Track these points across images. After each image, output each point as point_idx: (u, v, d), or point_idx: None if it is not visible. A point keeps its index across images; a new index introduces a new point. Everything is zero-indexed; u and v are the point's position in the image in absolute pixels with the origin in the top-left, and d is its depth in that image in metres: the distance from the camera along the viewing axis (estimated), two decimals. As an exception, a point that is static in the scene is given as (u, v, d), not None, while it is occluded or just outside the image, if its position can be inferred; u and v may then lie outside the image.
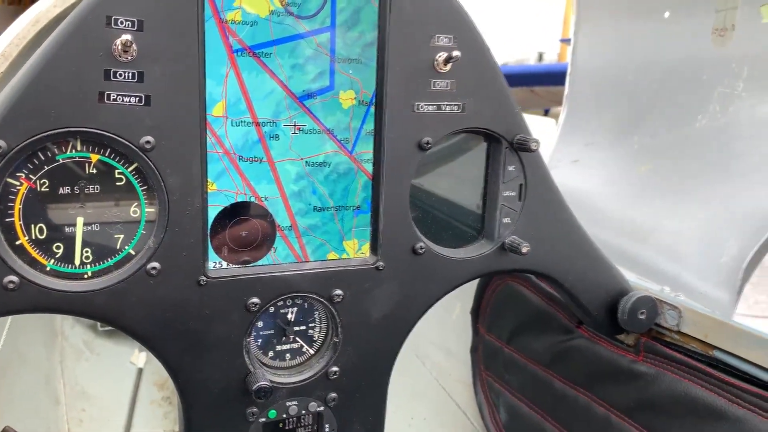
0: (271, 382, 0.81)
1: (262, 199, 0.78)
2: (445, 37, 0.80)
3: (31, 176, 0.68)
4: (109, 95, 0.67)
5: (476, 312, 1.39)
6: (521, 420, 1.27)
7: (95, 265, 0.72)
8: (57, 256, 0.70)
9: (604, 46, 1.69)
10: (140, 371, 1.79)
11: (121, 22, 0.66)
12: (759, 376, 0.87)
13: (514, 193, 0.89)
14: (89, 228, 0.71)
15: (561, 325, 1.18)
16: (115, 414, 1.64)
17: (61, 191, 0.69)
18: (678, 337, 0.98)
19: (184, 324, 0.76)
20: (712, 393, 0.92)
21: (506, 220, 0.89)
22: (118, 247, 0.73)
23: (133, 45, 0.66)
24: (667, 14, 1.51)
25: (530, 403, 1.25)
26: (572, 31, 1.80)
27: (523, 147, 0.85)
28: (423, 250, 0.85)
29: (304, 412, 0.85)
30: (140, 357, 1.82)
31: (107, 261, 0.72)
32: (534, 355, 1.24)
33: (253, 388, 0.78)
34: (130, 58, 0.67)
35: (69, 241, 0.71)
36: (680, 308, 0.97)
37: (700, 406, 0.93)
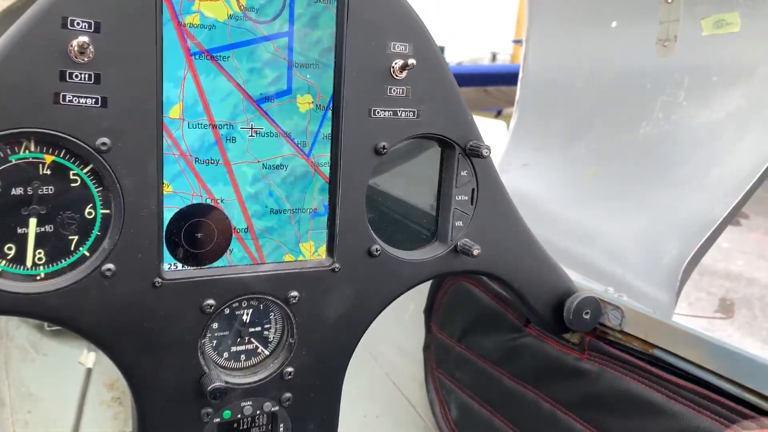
0: (226, 383, 0.81)
1: (218, 201, 0.79)
2: (401, 45, 0.82)
3: None
4: (64, 96, 0.67)
5: (429, 311, 1.42)
6: (472, 417, 1.30)
7: (48, 267, 0.72)
8: (8, 257, 0.70)
9: (554, 52, 1.74)
10: (89, 371, 1.76)
11: (78, 23, 0.66)
12: (695, 374, 0.92)
13: (466, 197, 0.91)
14: (42, 229, 0.70)
15: (510, 323, 1.22)
16: (62, 416, 1.61)
17: (13, 192, 0.68)
18: (620, 336, 1.03)
19: (139, 325, 0.76)
20: (652, 389, 0.96)
21: (459, 223, 0.92)
22: (72, 249, 0.72)
23: (90, 47, 0.66)
24: (614, 24, 1.57)
25: (480, 401, 1.28)
26: (524, 36, 1.85)
27: (475, 153, 0.88)
28: (378, 252, 0.87)
29: (258, 412, 0.86)
30: (89, 357, 1.79)
31: (61, 262, 0.72)
32: (484, 352, 1.27)
33: (208, 389, 0.78)
34: (86, 59, 0.66)
35: (21, 243, 0.70)
36: (623, 308, 1.02)
37: (641, 402, 0.98)
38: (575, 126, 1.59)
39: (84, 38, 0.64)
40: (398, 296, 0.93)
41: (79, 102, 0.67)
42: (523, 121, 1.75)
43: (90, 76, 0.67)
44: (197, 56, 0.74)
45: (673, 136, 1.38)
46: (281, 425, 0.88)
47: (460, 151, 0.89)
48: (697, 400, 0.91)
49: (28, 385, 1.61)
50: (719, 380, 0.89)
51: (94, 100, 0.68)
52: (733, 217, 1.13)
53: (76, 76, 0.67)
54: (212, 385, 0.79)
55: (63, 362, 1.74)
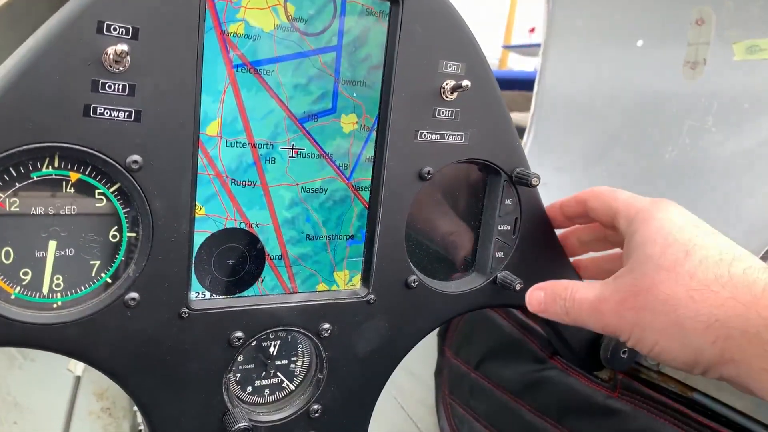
0: (250, 420, 0.75)
1: (253, 225, 0.73)
2: (454, 64, 0.76)
3: (0, 194, 0.60)
4: (95, 108, 0.60)
5: (443, 334, 1.37)
6: (486, 448, 1.25)
7: (67, 294, 0.65)
8: (24, 283, 0.63)
9: (574, 68, 1.69)
10: (78, 380, 1.68)
11: (115, 29, 0.59)
12: (737, 421, 0.88)
13: (509, 227, 0.86)
14: (62, 253, 0.64)
15: (533, 354, 1.17)
16: (50, 427, 1.53)
17: (33, 212, 0.62)
18: (656, 376, 0.98)
19: (161, 359, 0.70)
20: (690, 435, 0.92)
21: (499, 254, 0.86)
22: (93, 275, 0.66)
23: (128, 56, 0.59)
24: (640, 43, 1.53)
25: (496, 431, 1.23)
26: (540, 51, 1.80)
27: (522, 182, 0.83)
28: (416, 283, 0.81)
29: None
30: (78, 364, 1.71)
31: (81, 290, 0.65)
32: (503, 382, 1.22)
33: (233, 429, 0.72)
34: (121, 68, 0.60)
35: (39, 267, 0.63)
36: (661, 348, 0.97)
37: (676, 447, 0.93)
38: (596, 146, 1.55)
39: (123, 46, 0.58)
40: (432, 330, 0.87)
41: (110, 115, 0.61)
42: (539, 137, 1.70)
43: (124, 87, 0.61)
44: (239, 69, 0.67)
45: (702, 164, 1.34)
46: (304, 465, 0.82)
47: (506, 179, 0.84)
48: (739, 449, 0.87)
49: (15, 394, 1.53)
50: (764, 430, 0.85)
51: (127, 113, 0.61)
52: (771, 254, 1.09)
53: (110, 87, 0.60)
54: (237, 426, 0.72)
55: (51, 369, 1.65)
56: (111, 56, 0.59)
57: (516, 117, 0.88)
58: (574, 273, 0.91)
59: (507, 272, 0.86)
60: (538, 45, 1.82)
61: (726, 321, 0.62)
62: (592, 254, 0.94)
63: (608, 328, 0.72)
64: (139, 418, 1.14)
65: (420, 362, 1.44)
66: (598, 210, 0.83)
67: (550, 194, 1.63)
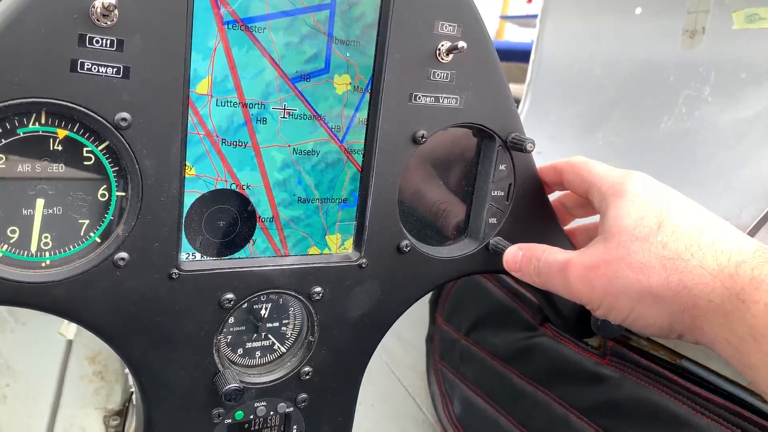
0: (241, 382, 0.75)
1: (244, 187, 0.72)
2: (450, 25, 0.75)
3: None
4: (82, 64, 0.59)
5: (435, 301, 1.37)
6: (476, 413, 1.26)
7: (55, 253, 0.64)
8: (11, 241, 0.62)
9: (571, 36, 1.67)
10: (70, 343, 1.68)
11: None
12: (725, 388, 0.89)
13: (502, 193, 0.86)
14: (50, 211, 0.63)
15: (524, 321, 1.18)
16: (42, 390, 1.54)
17: (20, 169, 0.61)
18: (646, 344, 0.99)
19: (151, 320, 0.69)
20: (677, 401, 0.93)
21: (492, 220, 0.86)
22: (82, 234, 0.65)
23: (115, 9, 0.57)
24: (638, 11, 1.51)
25: (486, 397, 1.24)
26: (538, 19, 1.78)
27: (517, 147, 0.82)
28: (408, 248, 0.81)
29: (272, 413, 0.80)
30: (70, 328, 1.71)
31: (69, 249, 0.65)
32: (493, 349, 1.23)
33: (224, 390, 0.72)
34: (109, 23, 0.58)
35: (26, 225, 0.62)
36: (652, 316, 0.97)
37: (664, 413, 0.94)
38: (592, 116, 1.54)
39: None
40: (423, 295, 0.87)
41: (98, 71, 0.59)
42: (535, 106, 1.69)
43: (112, 42, 0.59)
44: (230, 26, 0.66)
45: (697, 134, 1.34)
46: (294, 427, 0.83)
47: (501, 144, 0.83)
48: (726, 415, 0.88)
49: (6, 356, 1.53)
50: (751, 396, 0.86)
51: (115, 69, 0.60)
52: (762, 225, 1.09)
53: (97, 42, 0.59)
54: (228, 386, 0.73)
55: (42, 333, 1.65)
56: (98, 9, 0.57)
57: (513, 88, 0.87)
58: (566, 241, 0.91)
59: (499, 238, 0.86)
60: (536, 16, 1.79)
61: (693, 289, 0.63)
62: (579, 221, 0.94)
63: (574, 294, 0.73)
64: (131, 380, 1.15)
65: (411, 329, 1.45)
66: (573, 182, 0.84)
67: (546, 164, 1.63)
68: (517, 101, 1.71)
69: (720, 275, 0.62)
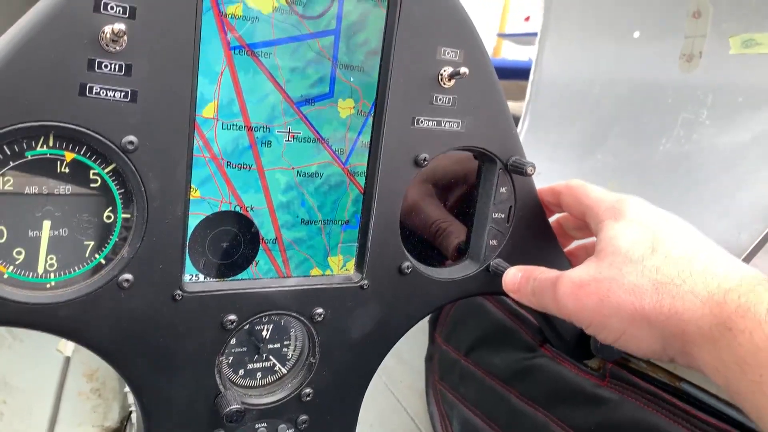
0: (242, 403, 0.75)
1: (248, 209, 0.73)
2: (452, 51, 0.76)
3: None
4: (91, 88, 0.59)
5: (435, 321, 1.37)
6: (475, 433, 1.26)
7: (60, 275, 0.64)
8: (17, 262, 0.62)
9: (570, 60, 1.69)
10: (68, 360, 1.68)
11: (112, 8, 0.58)
12: (724, 411, 0.89)
13: (503, 216, 0.86)
14: (56, 233, 0.63)
15: (523, 342, 1.18)
16: (39, 406, 1.53)
17: (27, 191, 0.61)
18: (645, 366, 0.99)
19: (154, 341, 0.70)
20: (677, 423, 0.93)
21: (493, 242, 0.87)
22: (87, 256, 0.65)
23: (125, 35, 0.58)
24: (637, 34, 1.52)
25: (485, 418, 1.24)
26: (537, 40, 1.79)
27: (517, 170, 0.83)
28: (409, 269, 0.81)
29: None
30: (68, 345, 1.71)
31: (74, 270, 0.65)
32: (493, 369, 1.23)
33: (225, 411, 0.72)
34: (118, 48, 0.59)
35: (33, 247, 0.63)
36: (651, 338, 0.98)
37: (663, 435, 0.94)
38: (591, 137, 1.55)
39: (120, 25, 0.57)
40: (424, 316, 0.87)
41: (106, 95, 0.60)
42: (534, 126, 1.70)
43: (121, 66, 0.60)
44: (237, 51, 0.67)
45: (695, 156, 1.35)
46: (295, 448, 0.83)
47: (501, 167, 0.84)
48: (725, 438, 0.88)
49: (4, 373, 1.53)
50: (751, 421, 0.86)
51: (123, 93, 0.61)
52: (762, 246, 1.10)
53: (106, 66, 0.60)
54: (229, 408, 0.73)
55: (40, 349, 1.65)
56: (108, 35, 0.58)
57: (510, 106, 0.88)
58: (567, 262, 0.91)
59: (500, 260, 0.87)
60: (534, 34, 1.81)
61: (683, 314, 0.64)
62: (576, 242, 0.95)
63: (562, 310, 0.73)
64: (130, 399, 1.15)
65: (410, 348, 1.45)
66: (570, 205, 0.85)
67: (544, 184, 1.64)
68: (516, 119, 1.72)
69: (709, 302, 0.62)
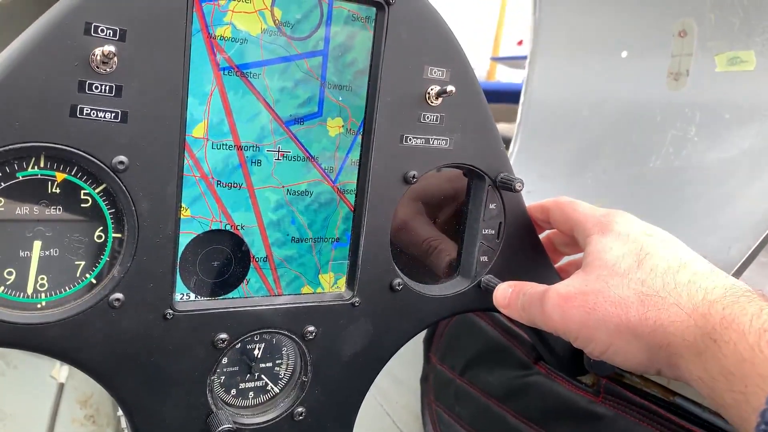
0: (234, 423, 0.75)
1: (238, 227, 0.73)
2: (438, 70, 0.77)
3: None
4: (82, 109, 0.60)
5: (429, 341, 1.37)
6: (471, 454, 1.25)
7: (51, 295, 0.65)
8: (8, 283, 0.63)
9: (560, 80, 1.71)
10: (61, 387, 1.67)
11: (102, 30, 0.60)
12: (720, 425, 0.89)
13: (493, 232, 0.87)
14: (47, 253, 0.64)
15: (518, 359, 1.18)
16: (32, 434, 1.52)
17: (18, 212, 0.62)
18: (639, 381, 0.99)
19: (145, 360, 0.70)
20: (672, 439, 0.93)
21: (483, 258, 0.87)
22: (77, 275, 0.66)
23: (115, 57, 0.60)
24: (624, 54, 1.55)
25: (481, 438, 1.23)
26: (527, 63, 1.82)
27: (506, 186, 0.84)
28: (400, 286, 0.82)
29: None
30: (62, 371, 1.70)
31: (65, 290, 0.65)
32: (488, 388, 1.23)
33: (217, 431, 0.72)
34: (109, 70, 0.60)
35: (23, 267, 0.63)
36: (644, 353, 0.98)
37: (659, 451, 0.94)
38: (581, 155, 1.56)
39: (110, 47, 0.58)
40: (417, 333, 0.88)
41: (97, 116, 0.61)
42: (525, 145, 1.72)
43: (111, 88, 0.61)
44: (226, 72, 0.68)
45: (685, 173, 1.36)
46: (288, 468, 0.82)
47: (490, 183, 0.85)
48: (720, 453, 0.88)
49: (-3, 400, 1.52)
50: (742, 433, 0.86)
51: (113, 114, 0.62)
52: (751, 261, 1.11)
53: (96, 88, 0.61)
54: (221, 428, 0.72)
55: (34, 376, 1.64)
56: (98, 57, 0.59)
57: (503, 128, 0.90)
58: (557, 277, 0.92)
59: (491, 276, 0.87)
60: (526, 57, 1.84)
61: (668, 327, 0.64)
62: (567, 258, 0.96)
63: (549, 324, 0.74)
64: (123, 423, 1.14)
65: (405, 369, 1.44)
66: (558, 221, 0.86)
67: (536, 202, 1.64)
68: (508, 141, 1.74)
69: (694, 314, 0.63)
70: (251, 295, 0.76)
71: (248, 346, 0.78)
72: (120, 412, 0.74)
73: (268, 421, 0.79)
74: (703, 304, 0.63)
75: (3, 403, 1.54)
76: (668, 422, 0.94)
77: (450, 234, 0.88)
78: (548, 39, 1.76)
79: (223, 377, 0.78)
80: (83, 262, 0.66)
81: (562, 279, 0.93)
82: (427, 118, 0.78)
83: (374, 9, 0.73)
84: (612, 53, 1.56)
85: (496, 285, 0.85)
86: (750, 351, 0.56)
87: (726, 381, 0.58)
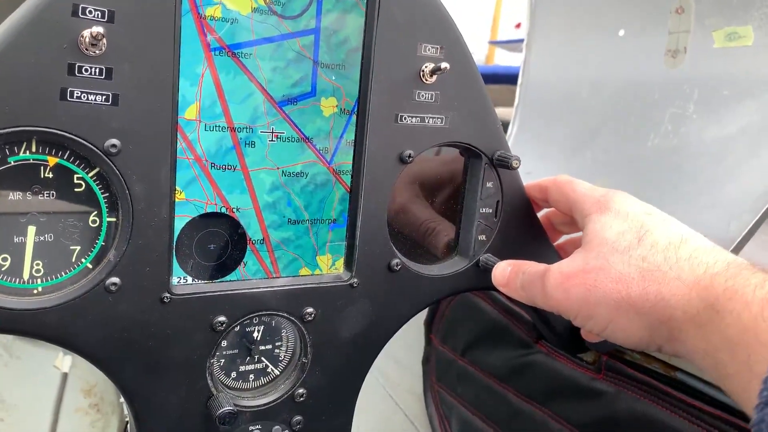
0: (235, 405, 0.75)
1: (234, 210, 0.73)
2: (432, 47, 0.77)
3: None
4: (72, 92, 0.60)
5: (430, 323, 1.37)
6: (474, 434, 1.26)
7: (47, 280, 0.65)
8: (3, 268, 0.62)
9: (558, 58, 1.70)
10: (65, 376, 1.67)
11: (90, 12, 0.59)
12: (721, 399, 0.89)
13: (490, 210, 0.87)
14: (42, 238, 0.64)
15: (519, 339, 1.18)
16: (37, 423, 1.53)
17: (11, 197, 0.61)
18: (640, 357, 0.99)
19: (144, 344, 0.70)
20: (674, 414, 0.93)
21: (482, 237, 0.87)
22: (73, 260, 0.65)
23: (104, 38, 0.59)
24: (622, 32, 1.53)
25: (484, 417, 1.23)
26: (524, 42, 1.81)
27: (503, 164, 0.83)
28: (399, 266, 0.81)
29: None
30: (65, 361, 1.71)
31: (61, 275, 0.65)
32: (489, 368, 1.23)
33: (218, 413, 0.72)
34: (98, 52, 0.60)
35: (18, 253, 0.63)
36: (644, 329, 0.98)
37: (660, 426, 0.94)
38: (580, 135, 1.55)
39: (98, 28, 0.57)
40: (416, 313, 0.87)
41: (87, 99, 0.61)
42: (524, 127, 1.71)
43: (101, 70, 0.61)
44: (217, 52, 0.67)
45: (683, 150, 1.35)
46: (290, 450, 0.83)
47: (487, 162, 0.84)
48: (722, 426, 0.88)
49: (1, 390, 1.52)
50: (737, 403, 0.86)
51: (104, 97, 0.61)
52: (751, 236, 1.10)
53: (86, 70, 0.60)
54: (222, 410, 0.72)
55: (37, 366, 1.64)
56: (87, 39, 0.59)
57: (501, 111, 0.89)
58: (556, 255, 0.91)
59: (489, 255, 0.87)
60: (524, 40, 1.82)
61: (670, 300, 0.64)
62: (565, 237, 0.95)
63: (551, 303, 0.73)
64: (126, 409, 1.15)
65: (407, 351, 1.45)
66: (557, 200, 0.85)
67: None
68: (506, 123, 1.73)
69: (696, 287, 0.63)
70: (249, 277, 0.75)
71: (247, 329, 0.78)
72: (123, 399, 0.74)
73: (269, 402, 0.79)
74: (705, 277, 0.63)
75: (7, 393, 1.55)
76: (670, 397, 0.94)
77: (448, 216, 0.88)
78: (545, 19, 1.75)
79: (223, 360, 0.78)
80: (78, 247, 0.66)
81: (561, 257, 0.92)
82: (422, 96, 0.77)
83: None
84: (609, 32, 1.55)
85: (495, 264, 0.85)
86: (753, 320, 0.56)
87: (728, 351, 0.58)
